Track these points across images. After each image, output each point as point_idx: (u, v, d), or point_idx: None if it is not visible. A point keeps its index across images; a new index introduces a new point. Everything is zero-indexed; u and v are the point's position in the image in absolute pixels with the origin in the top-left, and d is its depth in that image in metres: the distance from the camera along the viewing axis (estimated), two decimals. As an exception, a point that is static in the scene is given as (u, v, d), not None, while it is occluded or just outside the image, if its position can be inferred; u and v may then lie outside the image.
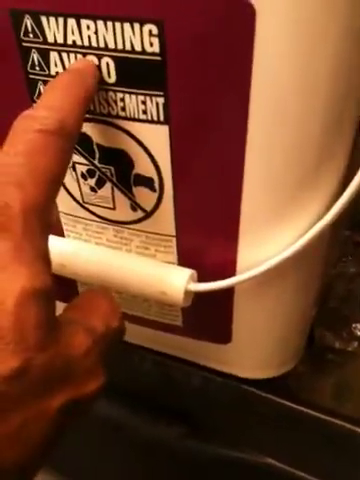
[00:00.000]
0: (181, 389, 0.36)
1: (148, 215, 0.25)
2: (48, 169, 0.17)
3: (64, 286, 0.27)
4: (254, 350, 0.30)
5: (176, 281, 0.25)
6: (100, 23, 0.19)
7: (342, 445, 0.33)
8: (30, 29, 0.21)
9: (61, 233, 0.28)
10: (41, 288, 0.15)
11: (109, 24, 0.19)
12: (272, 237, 0.24)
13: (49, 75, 0.22)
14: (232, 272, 0.26)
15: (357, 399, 0.43)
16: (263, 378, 0.32)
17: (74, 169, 0.25)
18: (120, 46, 0.20)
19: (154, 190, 0.24)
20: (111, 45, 0.20)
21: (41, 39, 0.21)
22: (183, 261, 0.26)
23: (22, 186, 0.16)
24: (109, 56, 0.20)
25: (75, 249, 0.27)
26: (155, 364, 0.35)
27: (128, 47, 0.20)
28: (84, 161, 0.24)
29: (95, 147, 0.23)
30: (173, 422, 0.37)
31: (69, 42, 0.20)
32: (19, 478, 0.14)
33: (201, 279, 0.26)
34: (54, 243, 0.26)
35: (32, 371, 0.14)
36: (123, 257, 0.27)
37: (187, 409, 0.37)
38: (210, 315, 0.29)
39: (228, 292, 0.27)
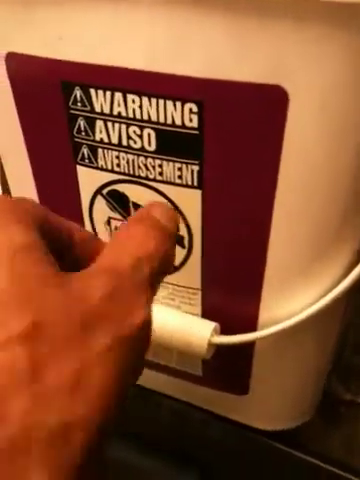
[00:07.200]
0: (197, 437, 0.36)
1: (176, 269, 0.27)
2: None
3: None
4: (270, 403, 0.31)
5: (201, 333, 0.26)
6: (145, 99, 0.21)
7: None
8: (79, 99, 0.23)
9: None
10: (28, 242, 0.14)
11: (153, 100, 0.21)
12: (294, 296, 0.25)
13: (94, 140, 0.24)
14: (253, 326, 0.27)
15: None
16: (277, 430, 0.33)
17: (109, 224, 0.26)
18: (162, 120, 0.22)
19: (183, 246, 0.25)
20: (154, 118, 0.22)
21: (88, 108, 0.23)
22: (207, 313, 0.28)
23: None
24: (151, 128, 0.22)
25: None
26: (173, 411, 0.36)
27: (169, 121, 0.21)
28: (119, 217, 0.26)
29: (131, 205, 0.25)
30: (185, 470, 0.38)
31: (115, 113, 0.22)
32: (95, 435, 0.13)
33: (222, 332, 0.27)
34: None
35: (48, 319, 0.12)
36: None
37: (200, 457, 0.37)
38: (229, 367, 0.30)
39: (249, 345, 0.28)
